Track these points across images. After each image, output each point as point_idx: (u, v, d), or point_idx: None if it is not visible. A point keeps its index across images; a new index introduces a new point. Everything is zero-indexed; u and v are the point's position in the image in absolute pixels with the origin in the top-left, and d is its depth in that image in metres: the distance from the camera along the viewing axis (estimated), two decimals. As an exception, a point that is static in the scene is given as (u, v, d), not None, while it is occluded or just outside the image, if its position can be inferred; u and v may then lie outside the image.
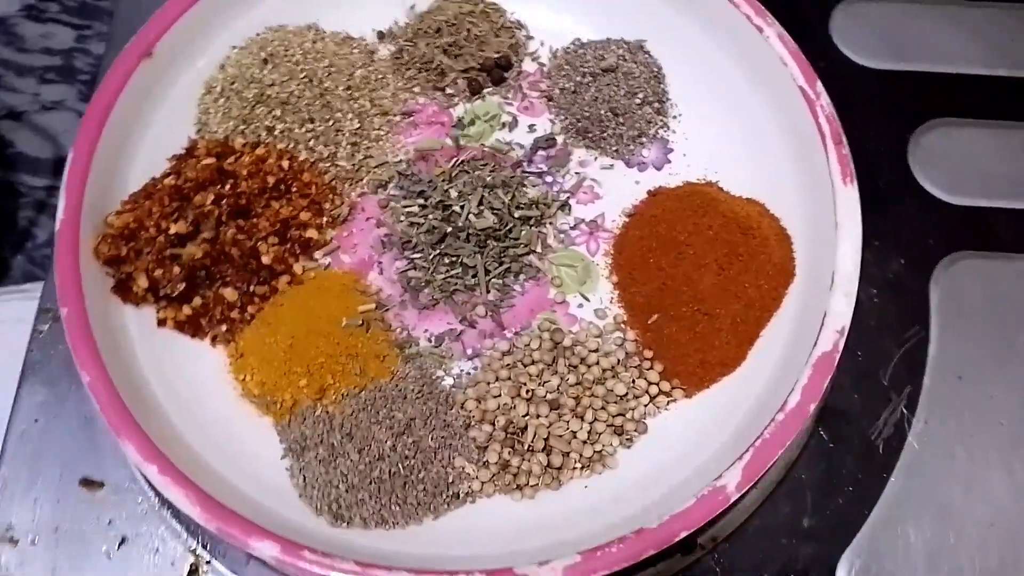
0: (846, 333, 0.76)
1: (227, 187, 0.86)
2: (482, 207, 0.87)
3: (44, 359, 0.90)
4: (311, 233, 0.89)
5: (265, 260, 0.86)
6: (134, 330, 0.82)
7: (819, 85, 0.86)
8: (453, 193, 0.88)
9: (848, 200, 0.81)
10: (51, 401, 0.89)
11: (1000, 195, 0.99)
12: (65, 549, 0.83)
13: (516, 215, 0.88)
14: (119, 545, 0.84)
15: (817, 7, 1.09)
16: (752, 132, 0.91)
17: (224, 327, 0.84)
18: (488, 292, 0.87)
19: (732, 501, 0.71)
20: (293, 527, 0.73)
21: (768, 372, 0.80)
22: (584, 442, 0.79)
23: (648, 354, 0.83)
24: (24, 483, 0.86)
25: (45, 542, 0.83)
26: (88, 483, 0.86)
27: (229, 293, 0.84)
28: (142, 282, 0.82)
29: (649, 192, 0.91)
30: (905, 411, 0.87)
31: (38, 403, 0.90)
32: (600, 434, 0.80)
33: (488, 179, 0.88)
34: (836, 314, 0.77)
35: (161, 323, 0.83)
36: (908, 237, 0.96)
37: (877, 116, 1.02)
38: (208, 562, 0.82)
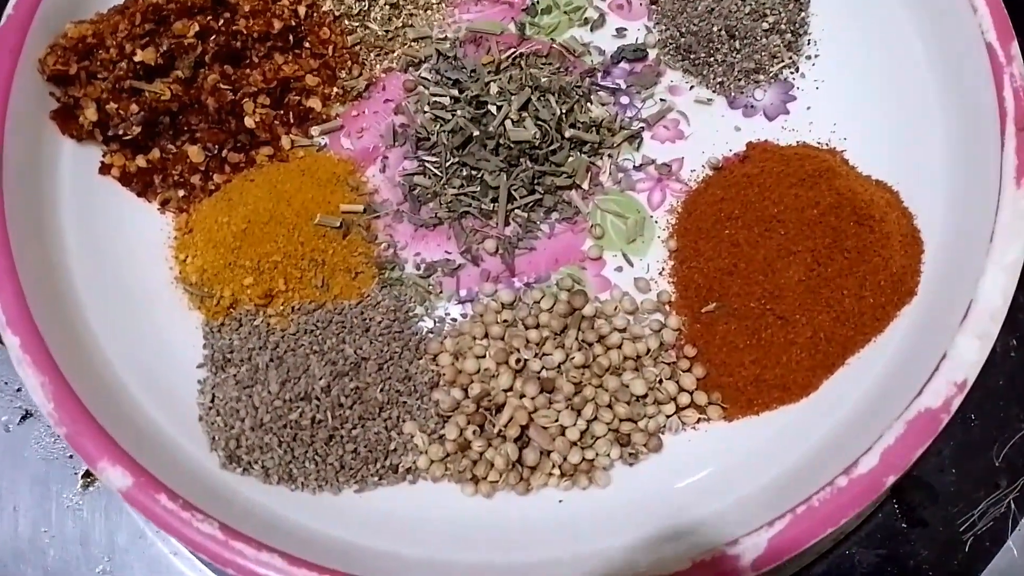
0: (967, 390, 0.54)
1: (220, 21, 0.68)
2: (525, 114, 0.67)
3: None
4: (313, 103, 0.71)
5: (248, 122, 0.69)
6: (66, 171, 0.67)
7: (1015, 47, 0.63)
8: (494, 89, 0.68)
9: (1016, 210, 0.58)
10: None
11: None
12: (-35, 408, 0.71)
13: (567, 135, 0.68)
14: (21, 419, 0.72)
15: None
16: (905, 95, 0.69)
17: (181, 192, 0.68)
18: (507, 224, 0.67)
19: (742, 580, 0.50)
20: (170, 456, 0.57)
21: (843, 415, 0.59)
22: (573, 444, 0.60)
23: (690, 351, 0.63)
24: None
25: (-52, 392, 0.72)
26: (7, 339, 0.73)
27: (195, 152, 0.68)
28: (90, 113, 0.66)
29: (749, 145, 0.70)
30: (1014, 506, 0.66)
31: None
32: (597, 438, 0.61)
33: (544, 81, 0.68)
34: (960, 360, 0.54)
35: (104, 170, 0.68)
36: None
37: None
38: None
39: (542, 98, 0.68)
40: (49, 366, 0.56)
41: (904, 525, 0.66)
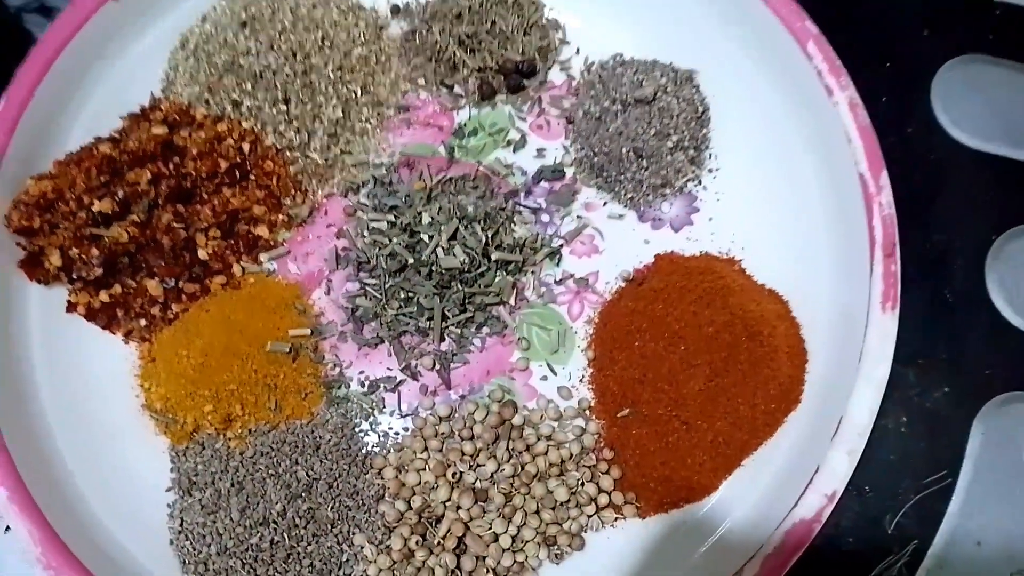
0: (836, 500, 0.62)
1: (170, 166, 0.74)
2: (454, 243, 0.74)
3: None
4: (261, 231, 0.77)
5: (202, 254, 0.75)
6: (34, 312, 0.73)
7: (884, 176, 0.70)
8: (425, 219, 0.75)
9: (881, 332, 0.66)
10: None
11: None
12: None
13: (494, 257, 0.75)
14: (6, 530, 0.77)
15: (923, 60, 0.87)
16: (795, 210, 0.76)
17: (143, 322, 0.74)
18: (442, 340, 0.74)
19: None
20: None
21: (737, 515, 0.66)
22: (505, 549, 0.68)
23: (608, 454, 0.71)
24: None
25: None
26: None
27: (153, 286, 0.74)
28: (55, 260, 0.72)
29: (657, 256, 0.77)
30: (905, 571, 0.71)
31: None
32: (526, 542, 0.68)
33: (470, 209, 0.75)
34: (831, 474, 0.63)
35: (71, 308, 0.74)
36: (965, 361, 0.77)
37: (962, 207, 0.83)
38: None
39: (469, 226, 0.75)
40: (33, 512, 0.62)
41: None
